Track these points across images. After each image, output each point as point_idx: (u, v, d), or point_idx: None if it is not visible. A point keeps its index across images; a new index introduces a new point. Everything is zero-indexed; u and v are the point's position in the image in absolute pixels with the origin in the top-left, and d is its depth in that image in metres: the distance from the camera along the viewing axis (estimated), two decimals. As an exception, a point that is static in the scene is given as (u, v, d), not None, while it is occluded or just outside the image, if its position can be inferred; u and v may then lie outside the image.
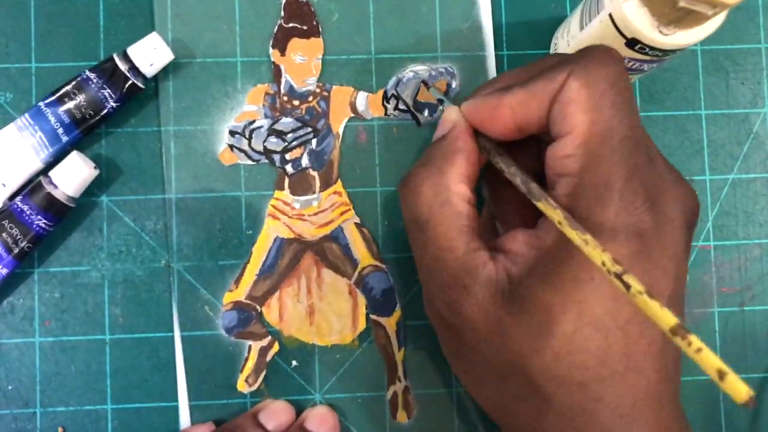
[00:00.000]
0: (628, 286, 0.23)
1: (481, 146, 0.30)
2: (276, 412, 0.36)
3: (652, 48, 0.31)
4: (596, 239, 0.25)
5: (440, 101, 0.34)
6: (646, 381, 0.26)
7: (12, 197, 0.36)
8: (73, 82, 0.35)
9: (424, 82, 0.38)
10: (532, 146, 0.32)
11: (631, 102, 0.27)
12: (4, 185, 0.35)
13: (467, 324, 0.28)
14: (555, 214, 0.26)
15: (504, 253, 0.28)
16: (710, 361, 0.21)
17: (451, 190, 0.29)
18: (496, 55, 0.39)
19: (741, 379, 0.20)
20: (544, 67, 0.28)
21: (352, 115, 0.38)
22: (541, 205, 0.26)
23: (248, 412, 0.36)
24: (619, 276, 0.23)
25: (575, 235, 0.25)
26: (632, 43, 0.31)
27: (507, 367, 0.27)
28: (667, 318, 0.22)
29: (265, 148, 0.38)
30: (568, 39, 0.36)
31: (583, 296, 0.25)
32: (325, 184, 0.38)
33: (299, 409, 0.37)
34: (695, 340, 0.21)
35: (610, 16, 0.31)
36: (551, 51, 0.39)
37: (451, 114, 0.31)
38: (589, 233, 0.24)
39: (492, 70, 0.39)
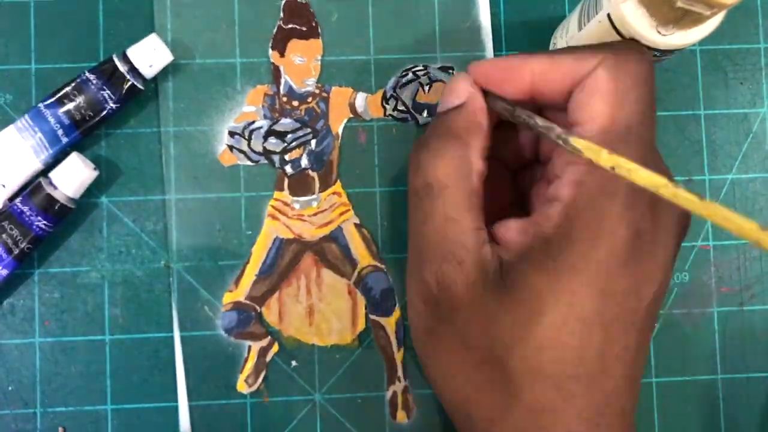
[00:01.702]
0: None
1: (496, 107, 0.30)
2: None
3: (650, 48, 0.31)
4: (598, 230, 0.25)
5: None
6: (614, 387, 0.26)
7: (12, 198, 0.36)
8: (73, 84, 0.35)
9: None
10: (510, 133, 0.32)
11: (653, 105, 0.27)
12: (3, 186, 0.35)
13: (454, 301, 0.28)
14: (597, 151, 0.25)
15: (495, 241, 0.28)
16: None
17: (472, 164, 0.29)
18: (497, 56, 0.39)
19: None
20: (572, 50, 0.29)
21: (352, 115, 0.38)
22: (576, 144, 0.26)
23: None
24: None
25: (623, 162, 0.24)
26: (631, 43, 0.31)
27: (485, 354, 0.27)
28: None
29: (264, 149, 0.38)
30: (567, 39, 0.36)
31: (577, 287, 0.25)
32: (325, 185, 0.38)
33: (298, 409, 0.37)
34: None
35: (609, 16, 0.31)
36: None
37: (463, 84, 0.30)
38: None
39: (491, 71, 0.39)
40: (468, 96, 0.30)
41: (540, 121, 0.28)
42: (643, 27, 0.30)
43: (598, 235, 0.26)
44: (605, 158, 0.25)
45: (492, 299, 0.27)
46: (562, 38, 0.37)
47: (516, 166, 0.34)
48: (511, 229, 0.28)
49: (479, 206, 0.29)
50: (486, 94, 0.30)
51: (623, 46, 0.28)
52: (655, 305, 0.27)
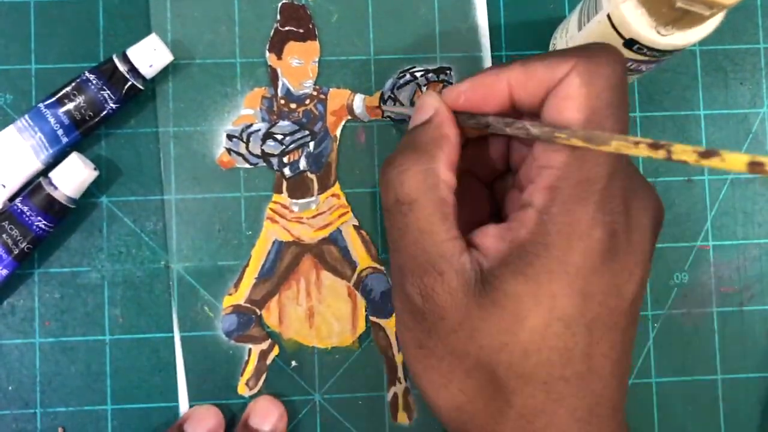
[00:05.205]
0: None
1: (469, 124, 0.30)
2: (201, 419, 0.36)
3: (650, 48, 0.31)
4: (572, 234, 0.25)
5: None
6: (603, 386, 0.27)
7: (12, 198, 0.36)
8: (73, 84, 0.35)
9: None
10: (481, 148, 0.32)
11: (625, 106, 0.28)
12: (3, 186, 0.35)
13: (438, 312, 0.28)
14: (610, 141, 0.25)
15: (475, 248, 0.28)
16: None
17: (439, 176, 0.29)
18: (496, 56, 0.39)
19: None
20: (544, 56, 0.29)
21: (349, 117, 0.38)
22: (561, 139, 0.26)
23: (174, 425, 0.36)
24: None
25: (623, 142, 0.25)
26: (630, 43, 0.31)
27: (473, 362, 0.27)
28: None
29: (262, 151, 0.38)
30: (567, 39, 0.36)
31: (556, 290, 0.26)
32: (323, 187, 0.38)
33: (298, 409, 0.37)
34: None
35: (608, 16, 0.31)
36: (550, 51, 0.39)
37: (430, 99, 0.31)
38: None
39: (490, 71, 0.39)
40: (434, 110, 0.30)
41: (517, 126, 0.28)
42: (643, 27, 0.30)
43: (573, 238, 0.26)
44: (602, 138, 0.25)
45: (475, 307, 0.27)
46: (561, 38, 0.37)
47: (490, 179, 0.34)
48: (489, 236, 0.28)
49: (453, 216, 0.29)
50: (457, 114, 0.30)
51: (594, 48, 0.28)
52: (636, 302, 0.28)
